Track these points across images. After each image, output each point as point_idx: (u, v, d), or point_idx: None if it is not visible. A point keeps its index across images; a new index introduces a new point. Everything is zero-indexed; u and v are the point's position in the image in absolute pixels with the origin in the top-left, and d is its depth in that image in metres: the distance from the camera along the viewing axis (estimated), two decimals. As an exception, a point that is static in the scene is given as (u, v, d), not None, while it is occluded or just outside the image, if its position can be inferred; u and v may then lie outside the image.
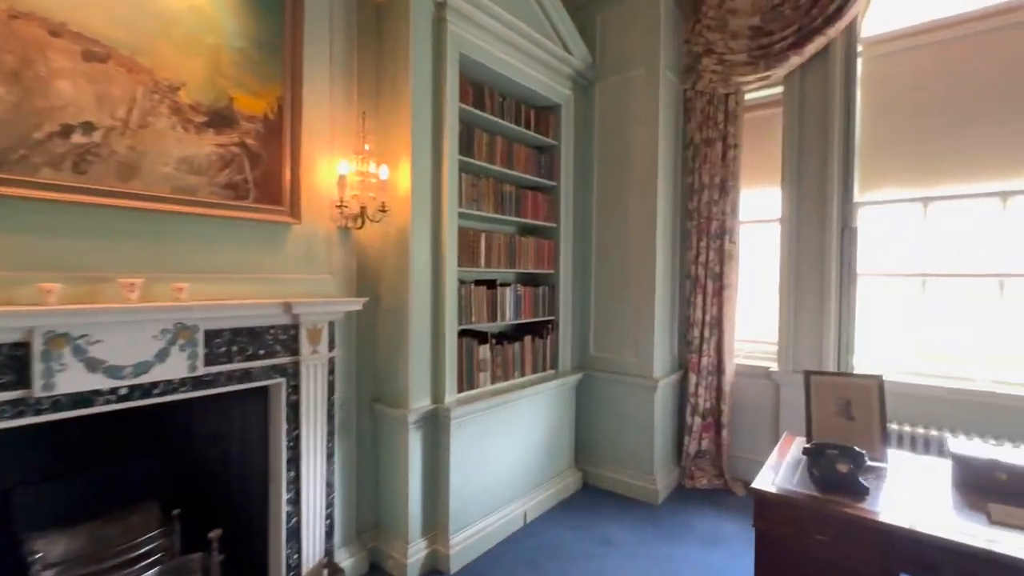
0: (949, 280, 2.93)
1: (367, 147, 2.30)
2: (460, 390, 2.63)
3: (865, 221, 3.14)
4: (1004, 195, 2.75)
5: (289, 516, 2.12)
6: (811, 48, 3.02)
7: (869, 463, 1.86)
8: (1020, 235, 2.72)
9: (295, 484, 2.13)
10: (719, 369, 3.43)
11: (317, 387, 2.18)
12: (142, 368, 1.66)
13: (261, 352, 2.00)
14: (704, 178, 3.43)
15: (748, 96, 3.45)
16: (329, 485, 2.25)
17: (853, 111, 3.11)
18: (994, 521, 1.52)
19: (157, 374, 1.69)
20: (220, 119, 1.89)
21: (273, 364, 2.05)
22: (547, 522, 2.95)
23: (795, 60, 3.09)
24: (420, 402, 2.45)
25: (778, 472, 1.90)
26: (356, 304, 2.29)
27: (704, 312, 3.43)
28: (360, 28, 2.42)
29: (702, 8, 3.37)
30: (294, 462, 2.13)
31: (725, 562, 2.53)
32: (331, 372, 2.26)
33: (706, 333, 3.42)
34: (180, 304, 1.71)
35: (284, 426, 2.09)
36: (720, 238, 3.39)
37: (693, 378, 3.45)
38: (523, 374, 3.08)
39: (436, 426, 2.51)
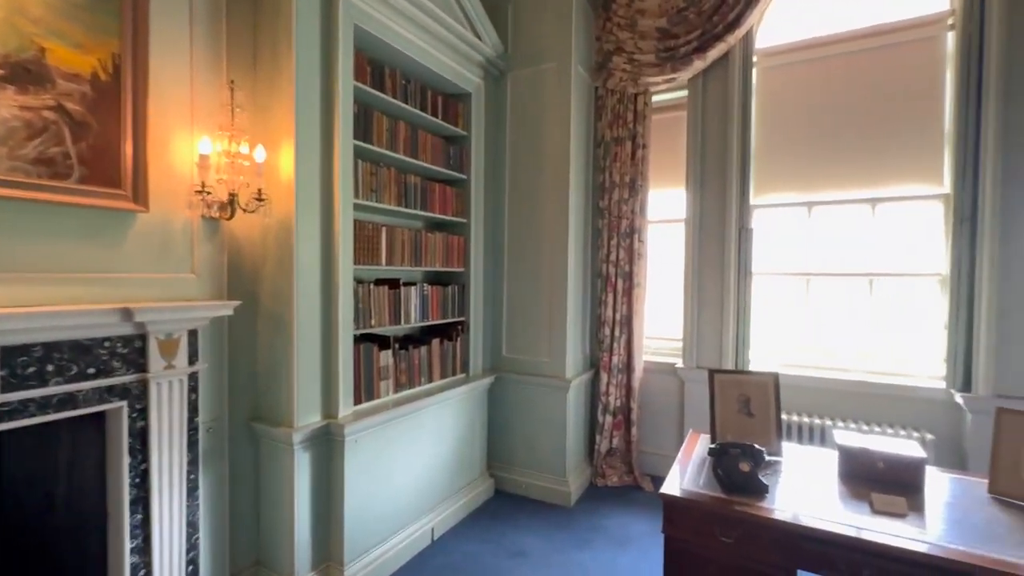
0: (828, 279, 3.17)
1: (235, 119, 1.95)
2: (357, 402, 2.36)
3: (759, 223, 3.32)
4: (873, 202, 3.02)
5: (135, 568, 1.74)
6: (713, 53, 3.12)
7: (767, 458, 1.90)
8: (886, 238, 3.00)
9: (143, 528, 1.75)
10: (629, 367, 3.46)
11: (173, 409, 1.81)
12: None
13: (91, 371, 1.61)
14: (615, 176, 3.43)
15: (656, 98, 3.51)
16: (191, 524, 1.89)
17: (749, 117, 3.26)
18: (876, 510, 1.59)
19: (-79, 408, 1.27)
20: (24, 74, 1.47)
21: (110, 384, 1.66)
22: (457, 537, 2.77)
23: (698, 64, 3.18)
24: (308, 419, 2.15)
25: (685, 473, 1.88)
26: (226, 308, 1.94)
27: (615, 311, 3.44)
28: (231, -17, 2.06)
29: (612, 6, 3.36)
30: (142, 501, 1.75)
31: (636, 563, 2.52)
32: (193, 390, 1.89)
33: (616, 332, 3.44)
34: (-43, 314, 1.29)
35: (126, 459, 1.71)
36: (630, 237, 3.42)
37: (604, 376, 3.45)
38: (431, 380, 2.87)
39: (328, 444, 2.23)
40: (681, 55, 3.18)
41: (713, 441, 2.05)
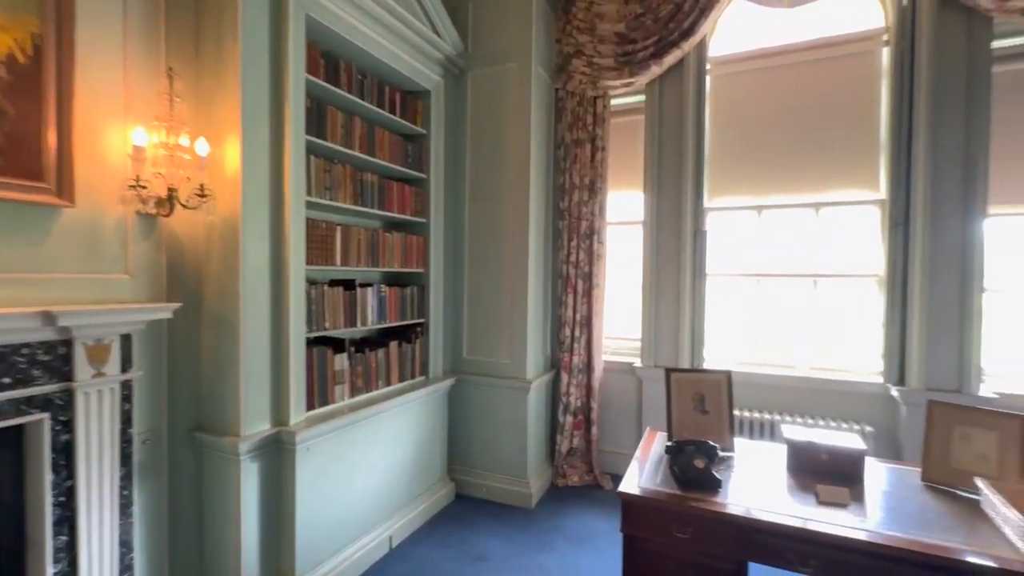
0: (777, 279, 3.31)
1: (174, 109, 1.83)
2: (311, 408, 2.27)
3: (713, 225, 3.42)
4: (817, 206, 3.17)
5: (60, 595, 1.60)
6: (669, 59, 3.19)
7: (721, 454, 1.95)
8: (829, 241, 3.16)
9: (69, 551, 1.61)
10: (589, 367, 3.49)
11: (103, 420, 1.68)
12: None
13: (7, 380, 1.46)
14: (575, 178, 3.46)
15: (615, 101, 3.57)
16: (124, 544, 1.76)
17: (704, 122, 3.36)
18: (821, 501, 1.66)
19: None
20: (-75, 52, 1.32)
21: (28, 395, 1.51)
22: (416, 543, 2.71)
23: (655, 70, 3.25)
24: (257, 427, 2.04)
25: (643, 471, 1.91)
26: (164, 311, 1.82)
27: (575, 311, 3.46)
28: (170, -35, 1.94)
29: (572, 9, 3.39)
30: (67, 522, 1.61)
31: (596, 562, 2.54)
32: (127, 399, 1.76)
33: (577, 332, 3.46)
34: None
35: (48, 476, 1.57)
36: (590, 238, 3.45)
37: (565, 377, 3.46)
38: (388, 383, 2.79)
39: (279, 453, 2.13)
40: (639, 60, 3.24)
41: (670, 439, 2.09)
